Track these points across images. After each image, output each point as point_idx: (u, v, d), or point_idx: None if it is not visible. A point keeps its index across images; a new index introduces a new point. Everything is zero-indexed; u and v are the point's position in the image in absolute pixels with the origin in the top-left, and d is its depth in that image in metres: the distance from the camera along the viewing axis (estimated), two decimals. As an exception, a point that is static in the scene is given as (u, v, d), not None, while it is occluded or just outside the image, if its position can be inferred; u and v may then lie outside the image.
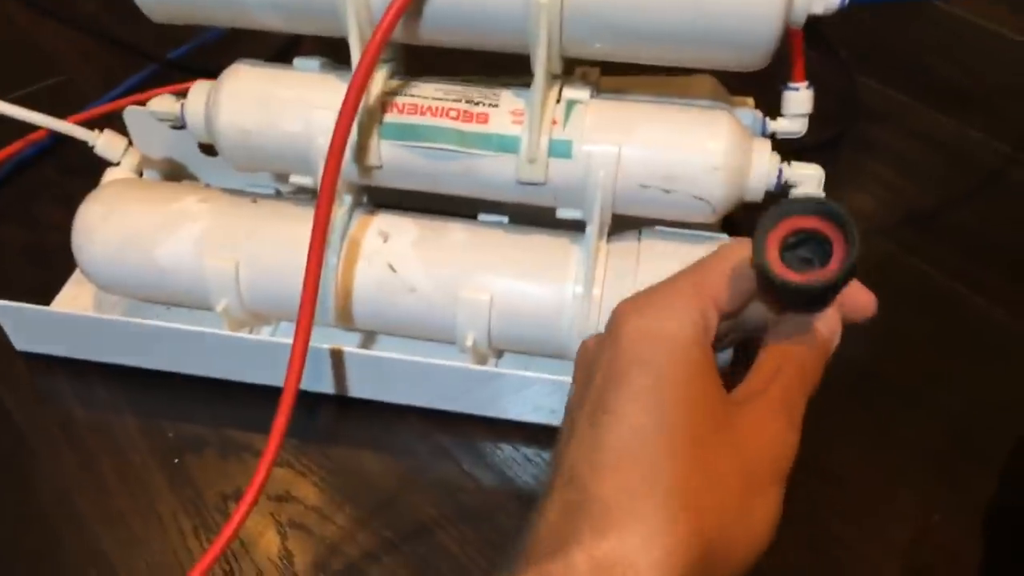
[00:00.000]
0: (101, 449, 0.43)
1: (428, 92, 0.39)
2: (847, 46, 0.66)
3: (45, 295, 0.47)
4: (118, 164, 0.46)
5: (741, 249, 0.27)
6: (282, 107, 0.39)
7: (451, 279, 0.41)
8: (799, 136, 0.43)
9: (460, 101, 0.39)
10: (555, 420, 0.43)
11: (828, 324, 0.28)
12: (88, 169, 0.48)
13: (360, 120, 0.38)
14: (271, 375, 0.41)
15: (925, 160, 0.60)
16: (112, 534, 0.40)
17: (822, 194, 0.39)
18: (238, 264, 0.41)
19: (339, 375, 0.43)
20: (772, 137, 0.43)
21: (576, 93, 0.39)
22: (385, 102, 0.39)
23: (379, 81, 0.39)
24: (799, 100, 0.42)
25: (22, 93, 0.59)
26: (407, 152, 0.39)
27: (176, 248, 0.41)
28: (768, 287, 0.26)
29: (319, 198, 0.34)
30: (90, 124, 0.49)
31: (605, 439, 0.25)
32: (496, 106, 0.38)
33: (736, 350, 0.33)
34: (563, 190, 0.39)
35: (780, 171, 0.38)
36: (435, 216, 0.43)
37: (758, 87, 0.45)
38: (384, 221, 0.42)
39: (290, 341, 0.41)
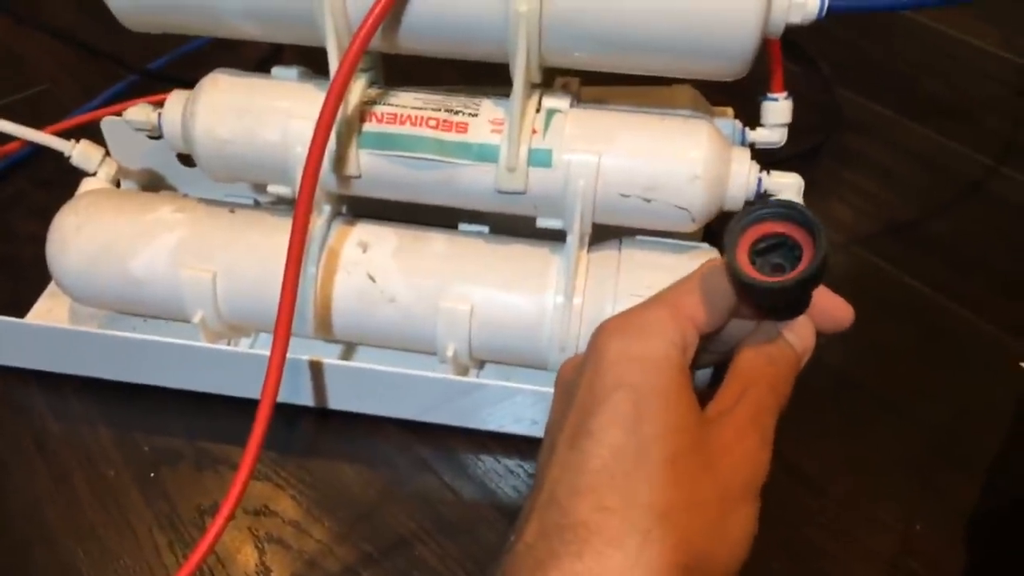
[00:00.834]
0: (75, 463, 0.42)
1: (407, 101, 0.39)
2: (828, 60, 0.66)
3: (19, 308, 0.47)
4: (94, 174, 0.46)
5: (718, 270, 0.28)
6: (260, 117, 0.38)
7: (431, 289, 0.40)
8: (778, 146, 0.43)
9: (439, 110, 0.38)
10: (537, 431, 0.43)
11: (799, 337, 0.28)
12: (64, 180, 0.47)
13: (338, 129, 0.38)
14: (249, 387, 0.41)
15: (906, 172, 0.60)
16: (85, 549, 0.39)
17: (801, 204, 0.39)
18: (215, 275, 0.40)
19: (318, 387, 0.43)
20: (751, 147, 0.43)
21: (556, 102, 0.38)
22: (364, 111, 0.39)
23: (358, 90, 0.39)
24: (778, 110, 0.42)
25: (-1, 104, 0.59)
26: (386, 161, 0.39)
27: (152, 259, 0.41)
28: (739, 289, 0.26)
29: (297, 208, 0.34)
30: (68, 134, 0.48)
31: (585, 461, 0.25)
32: (476, 115, 0.38)
33: (715, 369, 0.34)
34: (543, 199, 0.39)
35: (759, 180, 0.38)
36: (415, 226, 0.43)
37: (738, 97, 0.45)
38: (364, 231, 0.42)
39: (268, 353, 0.41)
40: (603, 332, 0.27)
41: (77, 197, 0.44)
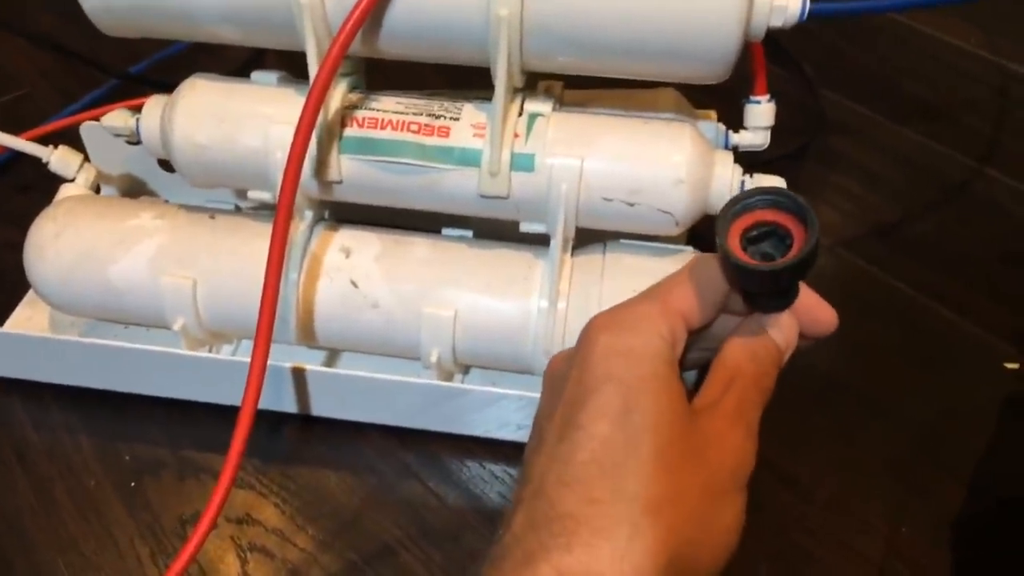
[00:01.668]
0: (55, 473, 0.42)
1: (389, 106, 0.39)
2: (812, 61, 0.67)
3: (-2, 316, 0.46)
4: (73, 180, 0.45)
5: (708, 264, 0.28)
6: (239, 122, 0.38)
7: (414, 295, 0.40)
8: (761, 149, 0.43)
9: (421, 114, 0.38)
10: (522, 436, 0.43)
11: (783, 334, 0.29)
12: (43, 186, 0.47)
13: (319, 134, 0.37)
14: (231, 395, 0.41)
15: (889, 173, 0.60)
16: (66, 561, 0.39)
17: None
18: (195, 282, 0.40)
19: (301, 394, 0.43)
20: (735, 150, 0.43)
21: (538, 106, 0.38)
22: (345, 116, 0.38)
23: (339, 95, 0.38)
24: (761, 113, 0.42)
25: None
26: (368, 167, 0.38)
27: (131, 266, 0.40)
28: (731, 274, 0.27)
29: (277, 214, 0.33)
30: (47, 140, 0.48)
31: (574, 453, 0.25)
32: (457, 119, 0.38)
33: (699, 372, 0.34)
34: (526, 204, 0.38)
35: (743, 183, 0.38)
36: (398, 231, 0.42)
37: (723, 100, 0.45)
38: (346, 236, 0.41)
39: (245, 360, 0.40)
40: (592, 327, 0.28)
41: (55, 204, 0.43)
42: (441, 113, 0.38)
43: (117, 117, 0.41)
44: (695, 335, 0.29)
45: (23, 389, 0.44)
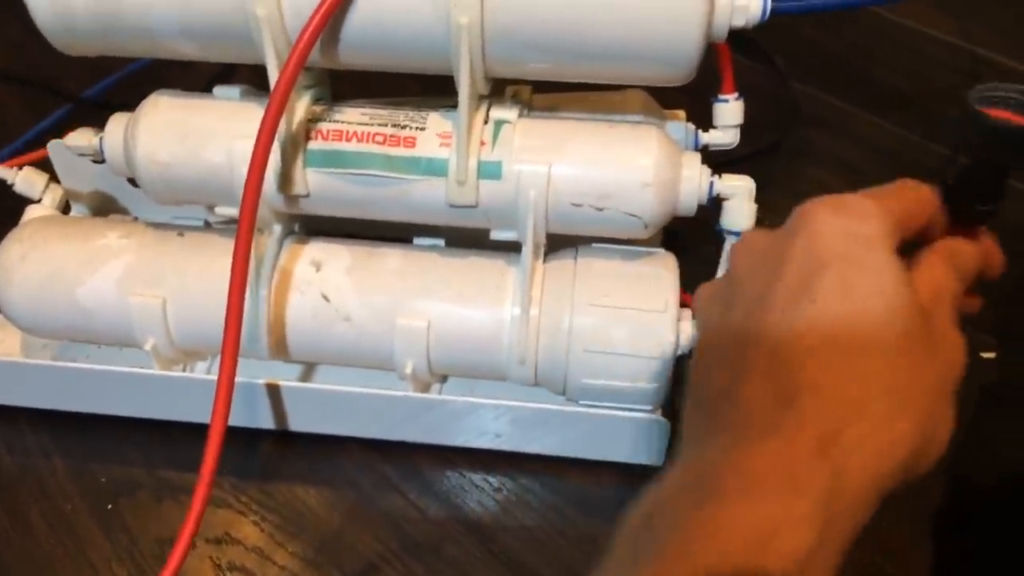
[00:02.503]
0: (29, 496, 0.41)
1: (354, 117, 0.38)
2: (784, 54, 0.66)
3: (-32, 340, 0.45)
4: (39, 201, 0.45)
5: (912, 183, 0.29)
6: (202, 138, 0.38)
7: (387, 306, 0.40)
8: (731, 147, 0.42)
9: (386, 125, 0.38)
10: (500, 444, 0.43)
11: (973, 251, 0.30)
12: (9, 208, 0.46)
13: (284, 148, 0.37)
14: (206, 413, 0.40)
15: (866, 165, 0.60)
16: (42, 586, 0.38)
17: (753, 206, 0.39)
18: (165, 300, 0.39)
19: (277, 410, 0.42)
20: (705, 149, 0.43)
21: (504, 113, 0.38)
22: (309, 129, 0.38)
23: (302, 107, 0.38)
24: (730, 112, 0.41)
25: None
26: (334, 179, 0.38)
27: (99, 286, 0.40)
28: (979, 137, 0.28)
29: (238, 230, 0.33)
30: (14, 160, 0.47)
31: (815, 326, 0.25)
32: (423, 129, 0.38)
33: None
34: (495, 211, 0.38)
35: (711, 184, 0.38)
36: (369, 242, 0.42)
37: (693, 98, 0.45)
38: (316, 249, 0.41)
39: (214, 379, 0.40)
40: (815, 209, 0.27)
41: (21, 225, 0.43)
42: (407, 123, 0.38)
43: (81, 136, 0.40)
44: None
45: (-5, 413, 0.44)
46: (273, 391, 0.41)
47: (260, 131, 0.32)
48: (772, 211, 0.55)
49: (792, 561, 0.22)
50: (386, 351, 0.40)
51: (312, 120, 0.38)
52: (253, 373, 0.42)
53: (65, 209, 0.49)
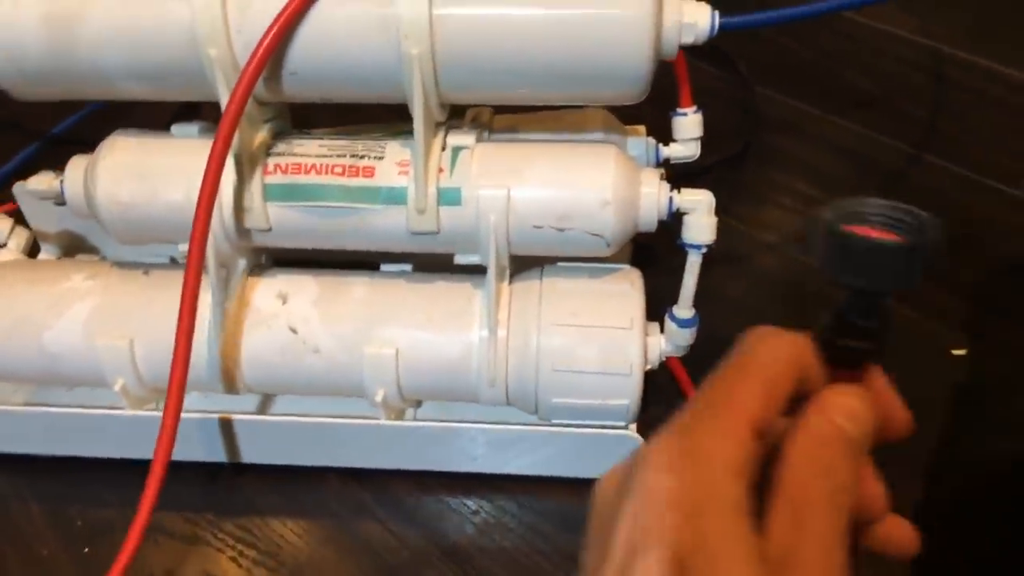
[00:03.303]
0: (6, 542, 0.41)
1: (312, 149, 0.38)
2: (747, 58, 0.67)
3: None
4: (4, 246, 0.45)
5: (772, 343, 0.24)
6: (161, 177, 0.38)
7: (355, 336, 0.40)
8: (692, 159, 0.43)
9: (344, 156, 0.38)
10: (478, 467, 0.43)
11: (857, 412, 0.23)
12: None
13: (243, 182, 0.37)
14: (180, 450, 0.40)
15: (832, 167, 0.60)
16: (21, 634, 0.38)
17: (713, 219, 0.39)
18: (132, 341, 0.39)
19: (253, 443, 0.42)
20: (667, 162, 0.43)
21: (461, 139, 0.38)
22: (268, 163, 0.38)
23: (260, 141, 0.38)
24: (689, 125, 0.42)
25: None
26: (295, 212, 0.38)
27: (65, 330, 0.40)
28: (835, 260, 0.22)
29: (187, 266, 0.34)
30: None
31: None
32: (381, 158, 0.38)
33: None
34: (457, 237, 0.38)
35: (671, 199, 0.38)
36: (336, 271, 0.42)
37: (657, 107, 0.45)
38: (282, 282, 0.41)
39: (192, 415, 0.40)
40: (645, 460, 0.22)
41: (-13, 271, 0.43)
42: (365, 153, 0.38)
43: (41, 180, 0.40)
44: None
45: (-32, 459, 0.44)
46: (247, 425, 0.41)
47: (207, 168, 0.33)
48: (742, 220, 0.56)
49: None
50: (357, 380, 0.40)
51: (271, 154, 0.38)
52: (224, 406, 0.42)
53: (34, 250, 0.49)
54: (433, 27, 0.33)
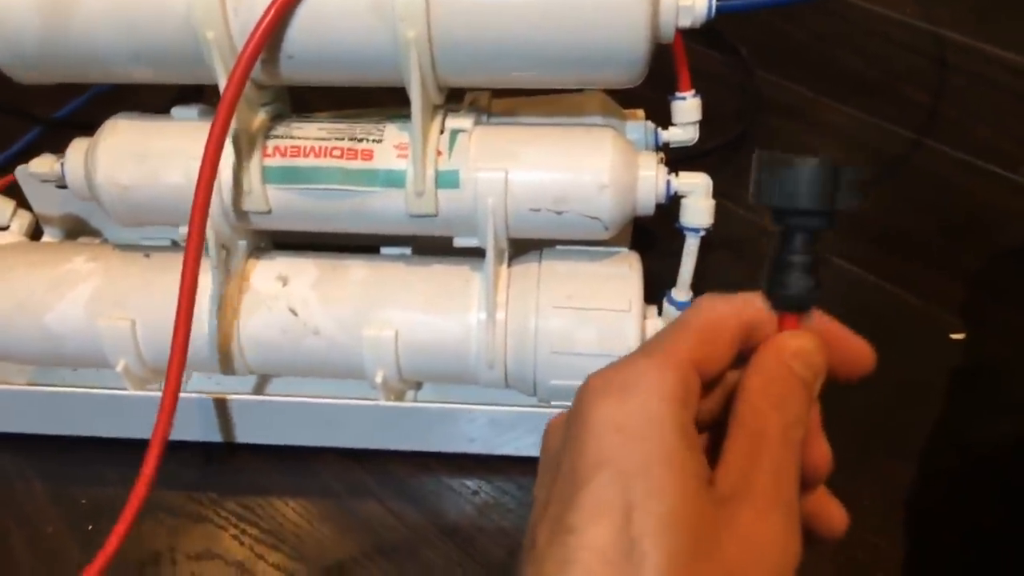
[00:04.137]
0: (11, 522, 0.42)
1: (311, 132, 0.39)
2: (748, 43, 0.67)
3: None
4: (6, 228, 0.45)
5: (716, 298, 0.24)
6: (161, 160, 0.38)
7: (354, 318, 0.40)
8: (692, 144, 0.43)
9: (343, 139, 0.38)
10: (477, 448, 0.43)
11: (805, 360, 0.23)
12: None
13: (242, 166, 0.37)
14: (182, 430, 0.40)
15: (832, 152, 0.60)
16: (25, 610, 0.39)
17: (711, 203, 0.39)
18: (134, 322, 0.40)
19: (254, 423, 0.43)
20: (666, 147, 0.43)
21: (459, 122, 0.38)
22: (267, 146, 0.38)
23: (259, 125, 0.38)
24: (688, 109, 0.42)
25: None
26: (294, 195, 0.38)
27: (67, 311, 0.40)
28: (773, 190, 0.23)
29: (187, 248, 0.34)
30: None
31: (567, 563, 0.20)
32: (380, 141, 0.38)
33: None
34: (455, 220, 0.39)
35: (668, 183, 0.38)
36: (335, 254, 0.42)
37: (657, 93, 0.45)
38: (282, 264, 0.41)
39: (194, 395, 0.40)
40: (585, 392, 0.23)
41: (-11, 253, 0.43)
42: (363, 136, 0.38)
43: (42, 163, 0.40)
44: (709, 385, 0.24)
45: (-28, 439, 0.44)
46: (248, 405, 0.42)
47: (206, 150, 0.33)
48: (741, 204, 0.56)
49: None
50: (356, 362, 0.40)
51: (270, 137, 0.38)
52: (227, 387, 0.42)
53: (36, 233, 0.49)
54: (429, 9, 0.33)
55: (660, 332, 0.24)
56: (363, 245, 0.44)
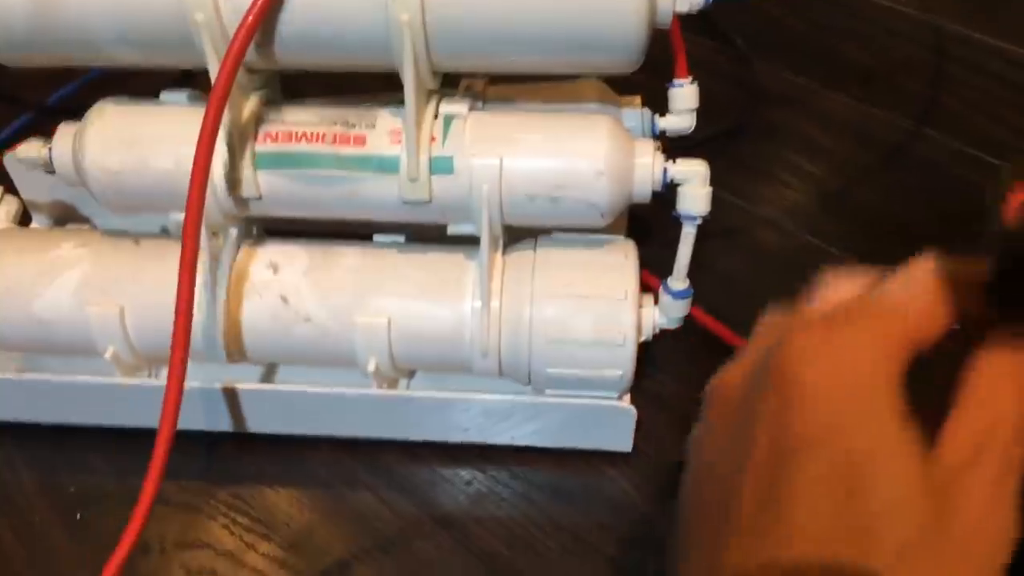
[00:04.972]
0: (-2, 511, 0.41)
1: (303, 117, 0.38)
2: (745, 33, 0.66)
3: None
4: (-6, 214, 0.44)
5: (932, 264, 0.23)
6: (150, 145, 0.37)
7: (346, 306, 0.40)
8: (689, 131, 0.42)
9: (336, 124, 0.38)
10: (470, 438, 0.43)
11: None
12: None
13: (233, 151, 0.37)
14: (171, 419, 0.40)
15: (830, 142, 0.60)
16: (13, 600, 0.38)
17: (708, 190, 0.39)
18: (123, 309, 0.39)
19: (244, 412, 0.42)
20: (663, 134, 0.43)
21: (454, 107, 0.38)
22: (259, 131, 0.38)
23: (251, 109, 0.38)
24: (684, 96, 0.41)
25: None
26: (285, 181, 0.38)
27: (55, 298, 0.39)
28: (1003, 253, 0.21)
29: (184, 235, 0.33)
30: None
31: (789, 540, 0.19)
32: (373, 127, 0.38)
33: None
34: (450, 206, 0.38)
35: (665, 170, 0.38)
36: (327, 241, 0.42)
37: (655, 80, 0.44)
38: (273, 251, 0.41)
39: (189, 384, 0.40)
40: (790, 356, 0.21)
41: (-24, 240, 0.42)
42: (356, 121, 0.38)
43: (30, 148, 0.40)
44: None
45: (-42, 427, 0.44)
46: (239, 394, 0.41)
47: (200, 134, 0.32)
48: (739, 194, 0.55)
49: None
50: (348, 350, 0.40)
51: (261, 122, 0.38)
52: (218, 376, 0.42)
53: (25, 219, 0.48)
54: (424, -9, 0.33)
55: (878, 289, 0.22)
56: (355, 233, 0.43)
